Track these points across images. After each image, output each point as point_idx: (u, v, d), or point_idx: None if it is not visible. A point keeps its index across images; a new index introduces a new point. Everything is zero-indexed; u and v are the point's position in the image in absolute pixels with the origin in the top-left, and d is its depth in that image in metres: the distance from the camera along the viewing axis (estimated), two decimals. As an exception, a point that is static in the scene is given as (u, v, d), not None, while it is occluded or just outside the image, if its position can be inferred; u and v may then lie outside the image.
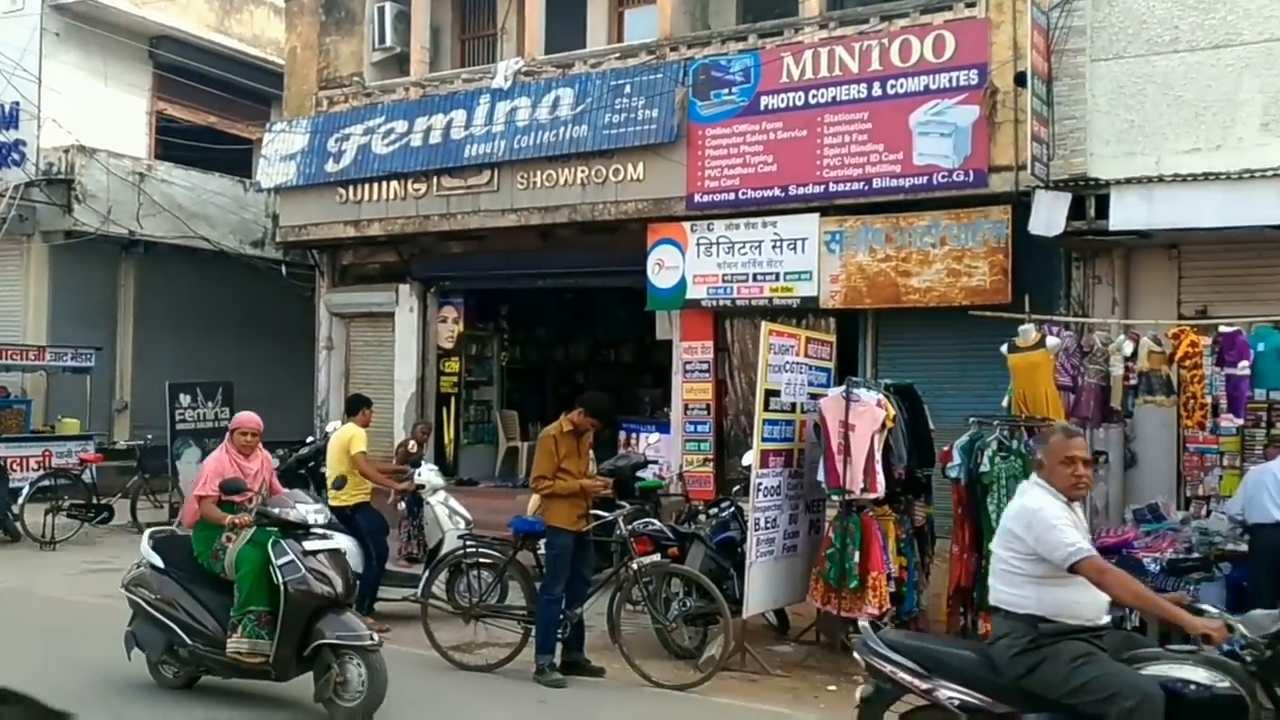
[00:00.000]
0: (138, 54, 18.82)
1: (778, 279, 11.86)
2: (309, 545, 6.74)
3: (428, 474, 10.65)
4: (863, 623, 5.71)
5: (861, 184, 11.29)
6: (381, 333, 15.43)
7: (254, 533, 6.85)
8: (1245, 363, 8.43)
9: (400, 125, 14.17)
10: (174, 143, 18.89)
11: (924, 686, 4.86)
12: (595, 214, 13.05)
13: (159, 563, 7.24)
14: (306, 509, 6.92)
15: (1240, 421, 8.89)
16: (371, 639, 6.49)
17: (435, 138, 13.86)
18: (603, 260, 13.51)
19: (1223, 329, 8.67)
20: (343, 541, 7.45)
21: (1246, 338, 8.50)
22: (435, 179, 13.97)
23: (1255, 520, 8.11)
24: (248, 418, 7.70)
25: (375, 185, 14.43)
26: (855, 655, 5.23)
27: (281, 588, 6.54)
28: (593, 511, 8.10)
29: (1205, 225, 9.28)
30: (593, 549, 8.21)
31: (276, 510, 6.84)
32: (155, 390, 15.78)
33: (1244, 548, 8.34)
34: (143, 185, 17.59)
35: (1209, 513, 9.65)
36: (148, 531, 7.75)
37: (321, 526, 6.94)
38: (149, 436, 15.36)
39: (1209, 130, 9.93)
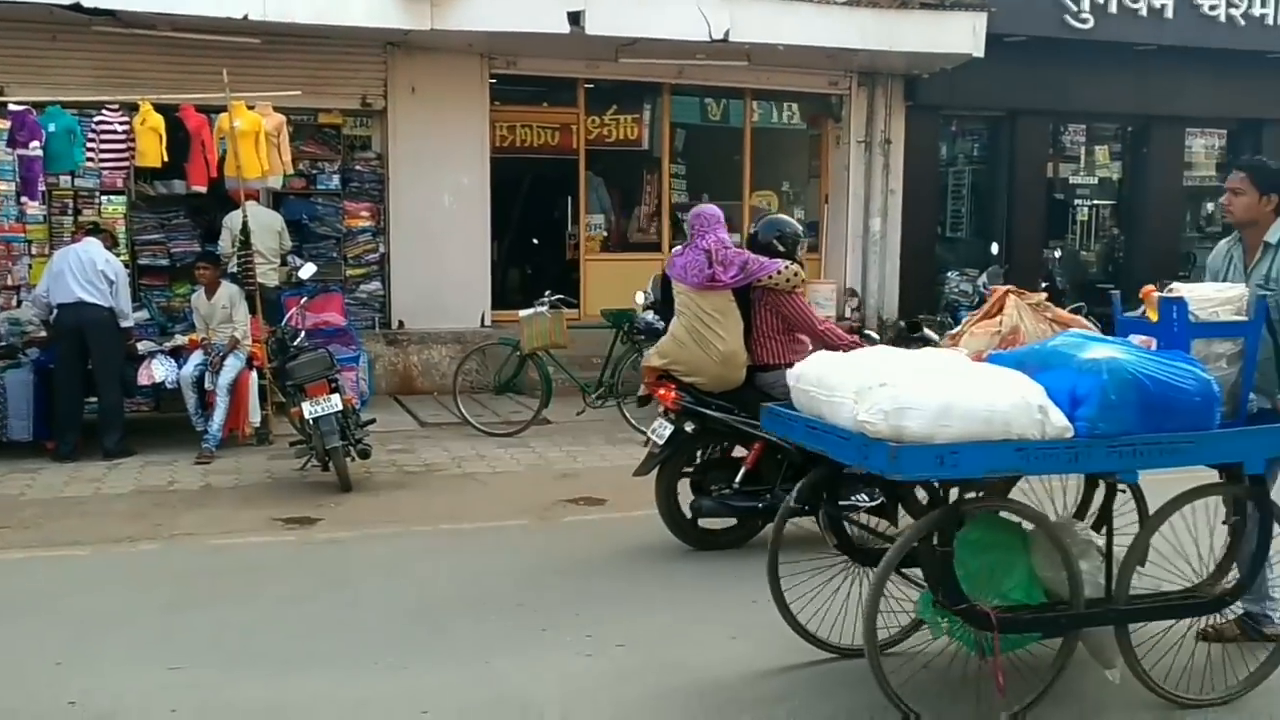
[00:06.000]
0: None
1: None
2: None
3: None
4: None
5: None
6: None
7: None
8: (37, 143, 8.35)
9: None
10: None
11: None
12: None
13: None
14: None
15: (37, 204, 8.81)
16: None
17: None
18: None
19: (12, 108, 8.41)
20: None
21: (37, 118, 8.37)
22: None
23: (60, 301, 8.17)
24: None
25: None
26: None
27: None
28: None
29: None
30: None
31: None
32: None
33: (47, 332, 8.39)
34: None
35: (19, 302, 9.46)
36: None
37: None
38: None
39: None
